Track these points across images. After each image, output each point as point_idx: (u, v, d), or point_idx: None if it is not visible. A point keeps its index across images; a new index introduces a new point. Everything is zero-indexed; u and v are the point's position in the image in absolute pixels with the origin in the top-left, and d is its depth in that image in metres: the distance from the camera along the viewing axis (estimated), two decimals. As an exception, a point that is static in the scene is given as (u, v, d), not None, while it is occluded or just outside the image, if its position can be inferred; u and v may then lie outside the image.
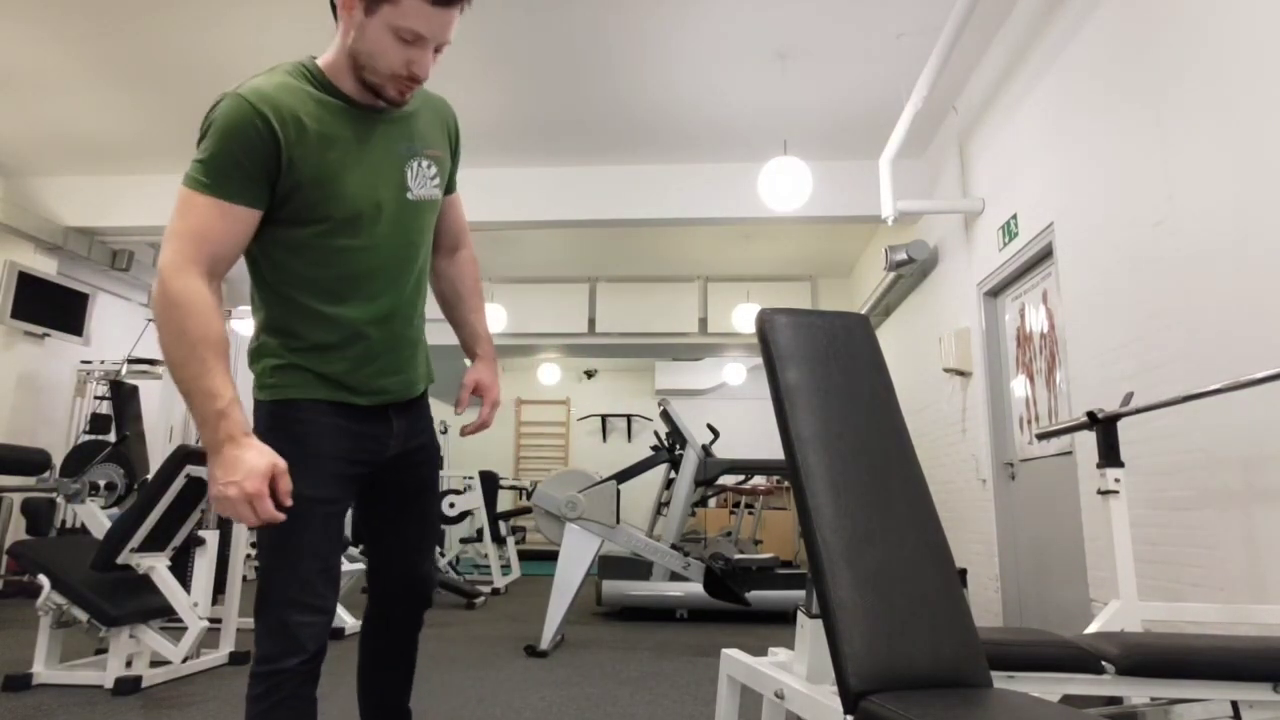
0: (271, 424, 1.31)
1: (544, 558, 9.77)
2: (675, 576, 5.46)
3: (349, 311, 1.33)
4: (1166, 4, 2.80)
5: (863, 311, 5.87)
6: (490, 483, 7.56)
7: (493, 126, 5.28)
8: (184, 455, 3.28)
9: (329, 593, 1.32)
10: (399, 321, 1.40)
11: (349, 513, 1.46)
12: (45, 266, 6.16)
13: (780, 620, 5.53)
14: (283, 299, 1.32)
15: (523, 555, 8.91)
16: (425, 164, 1.40)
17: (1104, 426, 2.35)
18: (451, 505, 8.50)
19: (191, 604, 3.28)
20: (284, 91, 1.26)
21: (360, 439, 1.38)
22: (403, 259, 1.37)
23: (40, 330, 6.12)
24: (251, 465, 1.14)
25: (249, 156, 1.21)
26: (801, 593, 5.37)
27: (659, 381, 11.07)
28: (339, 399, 1.35)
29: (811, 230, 7.02)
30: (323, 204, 1.27)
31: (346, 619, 4.69)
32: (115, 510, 4.40)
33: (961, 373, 4.82)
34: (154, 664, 3.33)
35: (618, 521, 4.43)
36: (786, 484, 9.34)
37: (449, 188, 1.56)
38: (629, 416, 11.51)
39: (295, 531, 1.27)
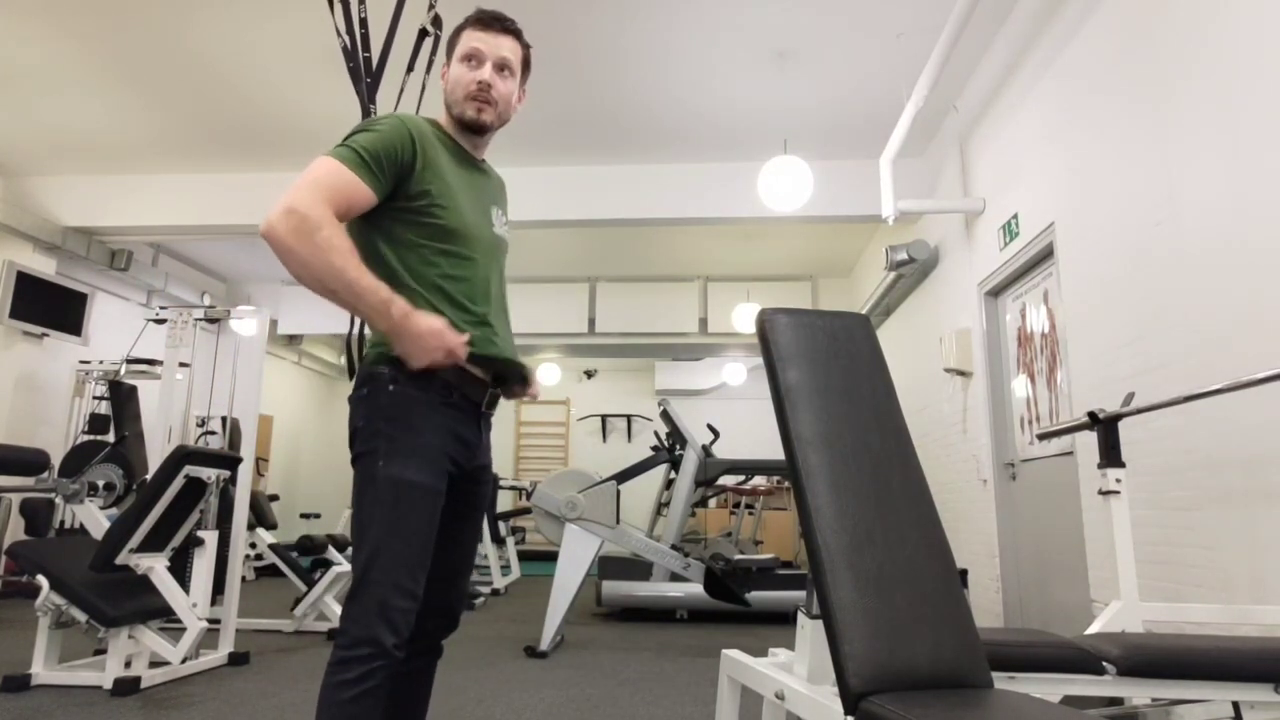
0: (392, 413, 1.41)
1: (544, 558, 9.77)
2: (675, 577, 5.46)
3: (464, 303, 1.50)
4: (1167, 4, 2.79)
5: (863, 311, 5.86)
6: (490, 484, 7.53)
7: (492, 126, 5.27)
8: (183, 455, 3.28)
9: (422, 583, 1.38)
10: (497, 320, 1.56)
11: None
12: (44, 266, 6.16)
13: (780, 621, 5.53)
14: (409, 291, 1.44)
15: (522, 556, 8.91)
16: (498, 213, 1.65)
17: (1105, 427, 2.35)
18: (451, 505, 8.51)
19: (190, 604, 3.27)
20: (428, 127, 1.53)
21: (460, 441, 1.49)
22: (492, 277, 1.57)
23: (39, 330, 6.12)
24: (437, 325, 1.37)
25: (390, 159, 1.43)
26: (801, 593, 5.37)
27: (659, 381, 11.06)
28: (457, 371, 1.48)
29: (811, 230, 7.01)
30: (443, 212, 1.48)
31: (346, 619, 4.68)
32: (114, 511, 4.40)
33: (962, 373, 4.82)
34: (153, 664, 3.33)
35: (618, 522, 4.43)
36: (786, 484, 9.34)
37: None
38: (629, 416, 11.50)
39: (407, 515, 1.36)
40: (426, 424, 1.42)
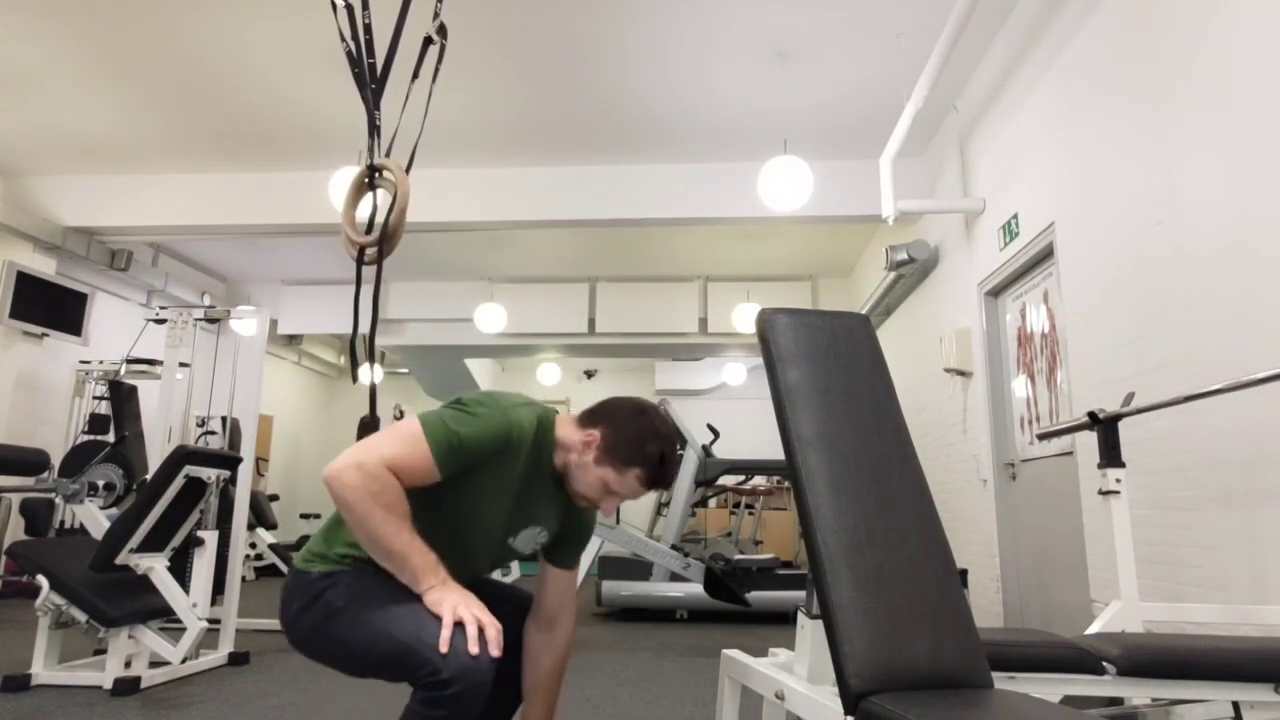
0: (331, 580, 1.43)
1: (544, 558, 9.75)
2: (675, 577, 5.46)
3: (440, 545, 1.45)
4: (1167, 3, 2.79)
5: (863, 311, 5.86)
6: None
7: (493, 126, 5.27)
8: (183, 455, 3.28)
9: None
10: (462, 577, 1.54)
11: None
12: (44, 266, 6.16)
13: (780, 621, 5.53)
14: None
15: (522, 555, 8.88)
16: (537, 531, 1.58)
17: (1105, 427, 2.35)
18: (451, 505, 8.51)
19: (190, 604, 3.27)
20: (530, 439, 1.48)
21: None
22: (476, 563, 1.55)
23: (39, 330, 6.12)
24: (470, 595, 1.36)
25: (471, 454, 1.41)
26: (801, 593, 5.37)
27: (659, 381, 11.06)
28: None
29: (811, 230, 7.01)
30: (461, 512, 1.48)
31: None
32: (114, 510, 4.40)
33: (962, 373, 4.82)
34: (153, 665, 3.33)
35: (618, 522, 4.42)
36: (786, 484, 9.34)
37: (554, 559, 1.67)
38: (629, 417, 11.49)
39: (387, 592, 1.38)
40: (371, 574, 1.42)
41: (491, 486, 1.45)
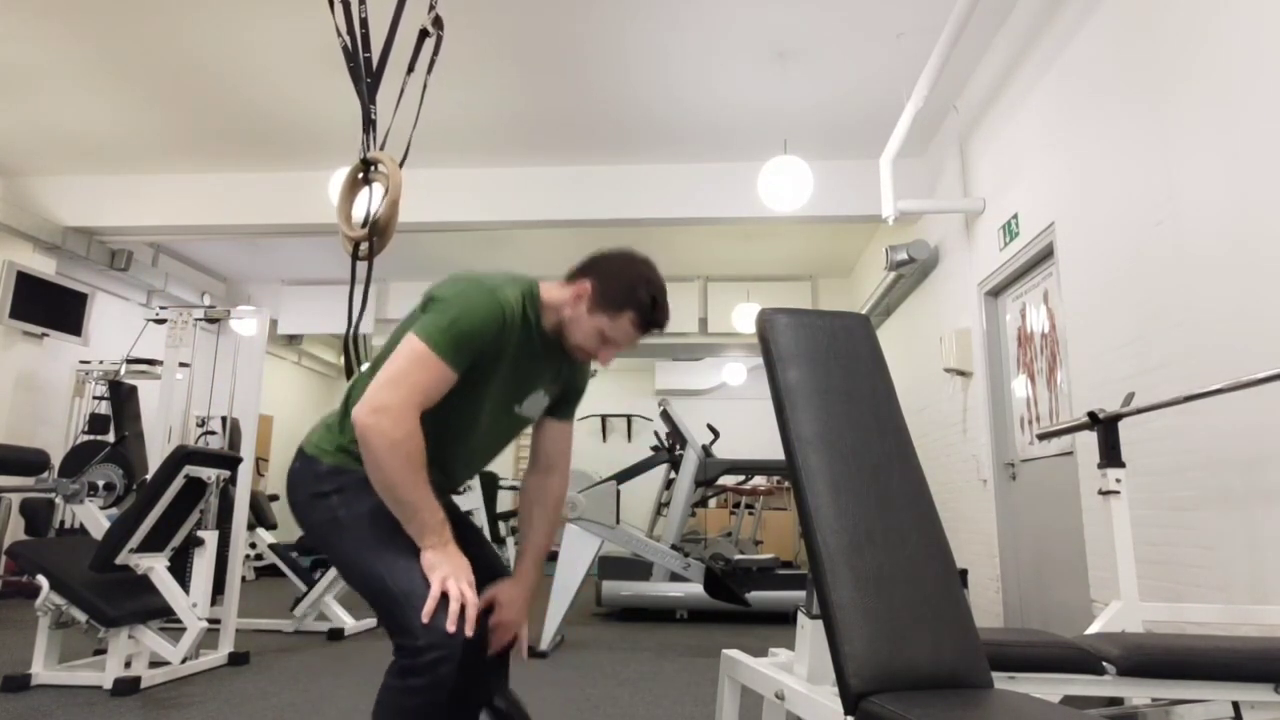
0: (336, 477, 1.47)
1: (544, 558, 9.75)
2: (675, 577, 5.46)
3: (436, 453, 1.48)
4: (1167, 4, 2.79)
5: (863, 311, 5.86)
6: (490, 483, 7.55)
7: (493, 126, 5.27)
8: (183, 455, 3.28)
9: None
10: (459, 476, 1.62)
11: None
12: (44, 266, 6.16)
13: (780, 621, 5.53)
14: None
15: (522, 555, 8.88)
16: (538, 395, 1.62)
17: (1105, 427, 2.35)
18: (451, 505, 8.50)
19: (190, 604, 3.27)
20: (518, 312, 1.49)
21: None
22: (486, 448, 1.61)
23: (39, 330, 6.12)
24: (466, 564, 1.39)
25: (475, 344, 1.43)
26: (801, 593, 5.36)
27: (659, 381, 11.06)
28: None
29: (811, 230, 7.01)
30: (471, 385, 1.48)
31: (346, 620, 4.69)
32: (114, 510, 4.40)
33: (962, 373, 4.82)
34: (153, 664, 3.33)
35: (617, 522, 4.43)
36: (786, 484, 9.34)
37: (562, 414, 1.73)
38: (629, 416, 11.49)
39: (399, 531, 1.40)
40: (370, 493, 1.43)
41: (493, 365, 1.49)
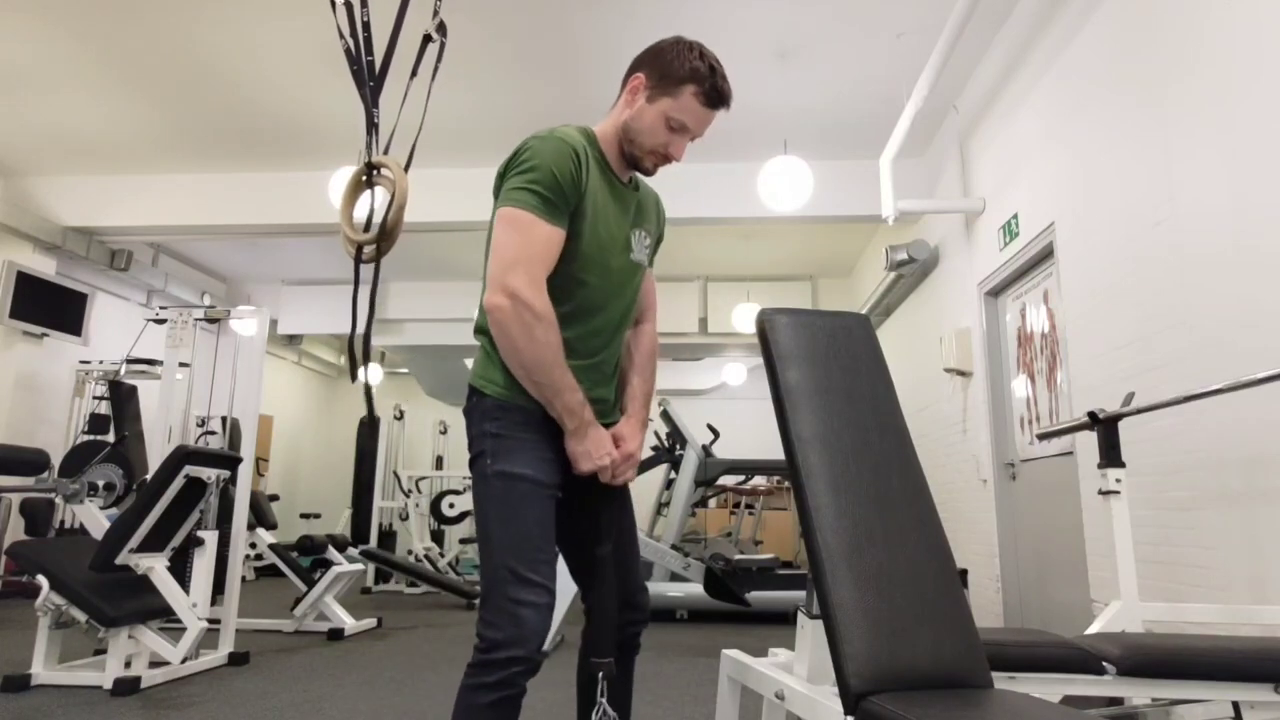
0: (497, 414, 1.45)
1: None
2: (675, 577, 5.46)
3: (576, 336, 1.49)
4: (1167, 3, 2.79)
5: (863, 311, 5.86)
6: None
7: (494, 126, 5.27)
8: (183, 455, 3.28)
9: (546, 575, 1.39)
10: (608, 358, 1.57)
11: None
12: (44, 266, 6.16)
13: (780, 621, 5.53)
14: None
15: (522, 555, 8.88)
16: (641, 235, 1.62)
17: (1105, 427, 2.35)
18: (451, 505, 8.49)
19: (190, 604, 3.27)
20: (585, 145, 1.48)
21: (560, 450, 1.49)
22: (619, 306, 1.57)
23: (39, 330, 6.12)
24: (608, 441, 1.45)
25: (569, 192, 1.42)
26: (801, 593, 5.36)
27: (659, 381, 11.05)
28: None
29: (811, 230, 7.01)
30: (578, 239, 1.46)
31: (346, 620, 4.68)
32: (114, 511, 4.40)
33: (962, 373, 4.82)
34: (153, 664, 3.33)
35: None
36: (786, 484, 9.34)
37: (649, 261, 1.71)
38: (629, 417, 11.49)
39: (517, 507, 1.39)
40: (529, 427, 1.44)
41: (589, 211, 1.46)
